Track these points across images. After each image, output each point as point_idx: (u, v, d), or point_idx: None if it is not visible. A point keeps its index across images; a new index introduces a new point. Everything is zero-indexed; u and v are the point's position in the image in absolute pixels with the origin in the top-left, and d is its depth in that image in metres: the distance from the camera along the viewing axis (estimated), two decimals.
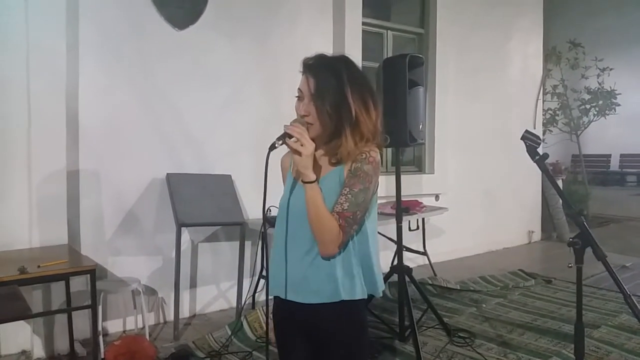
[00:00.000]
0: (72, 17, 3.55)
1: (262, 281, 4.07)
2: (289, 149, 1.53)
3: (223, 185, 4.19)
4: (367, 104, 1.55)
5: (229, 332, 3.61)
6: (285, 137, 1.49)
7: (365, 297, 1.60)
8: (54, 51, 3.42)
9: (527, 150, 2.11)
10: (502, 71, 6.71)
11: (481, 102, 6.33)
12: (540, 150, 2.14)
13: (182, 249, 3.77)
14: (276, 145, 1.51)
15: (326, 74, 1.53)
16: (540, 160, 2.07)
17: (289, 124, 1.52)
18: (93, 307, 2.75)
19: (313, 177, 1.50)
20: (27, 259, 2.85)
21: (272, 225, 3.88)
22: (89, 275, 2.78)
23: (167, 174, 3.94)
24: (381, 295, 1.68)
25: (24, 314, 2.88)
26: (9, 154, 3.31)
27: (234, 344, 3.52)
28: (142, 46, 3.89)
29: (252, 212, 4.33)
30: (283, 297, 1.61)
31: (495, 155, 6.49)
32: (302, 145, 1.47)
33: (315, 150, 1.53)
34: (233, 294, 4.20)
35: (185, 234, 4.06)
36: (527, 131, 2.14)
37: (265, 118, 4.39)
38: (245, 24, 4.40)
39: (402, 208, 3.56)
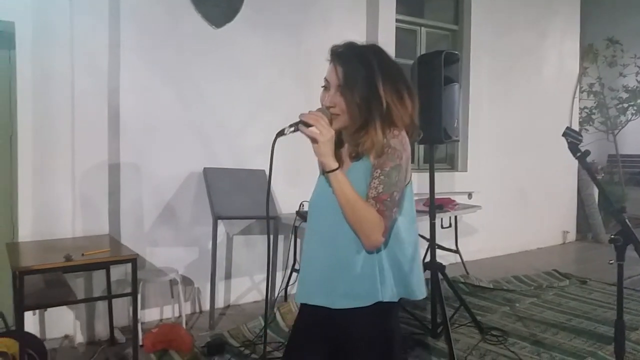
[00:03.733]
0: (113, 16, 3.66)
1: (294, 274, 4.14)
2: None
3: (257, 180, 4.26)
4: (401, 94, 1.44)
5: (263, 323, 3.68)
6: (299, 124, 1.40)
7: (396, 300, 1.48)
8: (96, 49, 3.54)
9: (569, 147, 2.08)
10: (537, 69, 6.60)
11: (515, 100, 6.24)
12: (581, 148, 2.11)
13: (217, 241, 3.85)
14: (285, 132, 1.42)
15: (356, 63, 1.43)
16: (582, 157, 2.05)
17: (307, 112, 1.44)
18: (134, 295, 2.84)
19: (335, 164, 1.39)
20: (71, 247, 2.97)
21: (305, 220, 3.95)
22: (128, 265, 2.88)
23: (204, 168, 4.03)
24: (420, 298, 1.54)
25: (69, 300, 3.00)
26: (54, 148, 3.45)
27: (267, 335, 3.58)
28: (180, 44, 3.99)
29: (285, 206, 4.39)
30: (309, 302, 1.51)
31: (530, 154, 6.39)
32: (319, 132, 1.37)
33: (340, 144, 1.46)
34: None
35: (221, 227, 4.14)
36: (568, 128, 2.11)
37: (297, 115, 4.42)
38: (279, 22, 4.46)
39: (435, 205, 3.56)
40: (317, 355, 1.52)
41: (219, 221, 3.89)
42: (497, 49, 6.02)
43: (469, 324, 3.72)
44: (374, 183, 1.40)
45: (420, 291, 1.52)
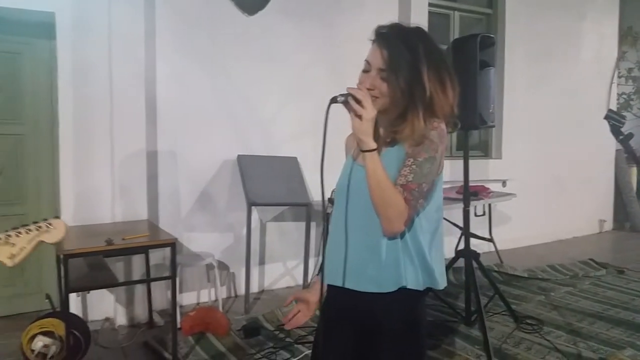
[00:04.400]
0: (149, 5, 3.73)
1: None
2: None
3: (289, 167, 4.30)
4: (444, 82, 1.40)
5: None
6: (348, 96, 1.36)
7: (422, 288, 1.46)
8: (133, 38, 3.61)
9: (611, 130, 2.03)
10: (574, 53, 6.42)
11: (552, 85, 6.09)
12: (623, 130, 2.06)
13: (251, 227, 3.91)
14: (338, 99, 1.38)
15: (401, 47, 1.38)
16: (625, 140, 2.00)
17: (355, 87, 1.40)
18: (173, 278, 2.91)
19: (373, 144, 1.36)
20: (111, 232, 3.06)
21: (325, 211, 3.96)
22: (166, 250, 2.95)
23: (238, 155, 4.09)
24: (441, 288, 1.50)
25: (110, 282, 3.09)
26: (94, 136, 3.55)
27: None
28: (214, 31, 4.03)
29: (317, 194, 4.41)
30: (339, 284, 1.49)
31: (566, 141, 6.25)
32: (364, 109, 1.34)
33: (377, 127, 1.42)
34: (299, 272, 4.33)
35: (254, 213, 4.20)
36: (610, 110, 2.06)
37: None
38: (311, 8, 4.46)
39: (469, 192, 3.52)
40: (345, 336, 1.52)
41: (253, 208, 3.94)
42: (533, 33, 5.88)
43: (503, 313, 3.69)
44: (405, 171, 1.38)
45: (443, 281, 1.50)
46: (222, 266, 4.14)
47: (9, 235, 1.18)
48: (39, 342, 2.77)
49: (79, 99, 3.50)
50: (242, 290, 4.12)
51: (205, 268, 3.93)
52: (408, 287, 1.43)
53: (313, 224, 4.37)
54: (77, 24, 3.47)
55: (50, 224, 1.17)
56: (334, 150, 1.56)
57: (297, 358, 3.05)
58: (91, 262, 3.15)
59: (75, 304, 3.49)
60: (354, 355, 1.54)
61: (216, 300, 3.80)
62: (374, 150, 1.36)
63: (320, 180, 1.40)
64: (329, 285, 1.55)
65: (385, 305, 1.44)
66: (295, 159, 4.37)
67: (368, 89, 1.41)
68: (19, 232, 1.18)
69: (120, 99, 3.55)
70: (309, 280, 4.12)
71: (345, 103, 1.36)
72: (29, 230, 1.17)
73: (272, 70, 4.30)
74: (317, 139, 4.47)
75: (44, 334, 2.80)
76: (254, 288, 4.29)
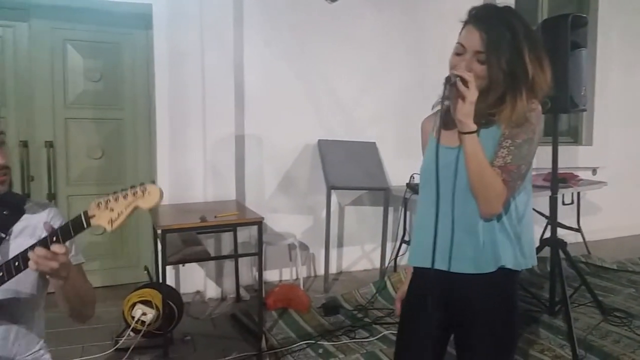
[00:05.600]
0: None
1: (404, 246, 4.20)
2: (436, 109, 1.44)
3: (368, 152, 4.35)
4: (542, 61, 1.38)
5: (374, 290, 3.81)
6: (456, 77, 1.35)
7: (520, 269, 1.46)
8: (223, 26, 3.79)
9: None
10: None
11: None
12: None
13: (330, 210, 4.01)
14: (452, 78, 1.35)
15: (500, 28, 1.35)
16: None
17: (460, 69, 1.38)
18: (259, 255, 3.06)
19: (474, 126, 1.35)
20: (203, 210, 3.25)
21: (415, 192, 3.96)
22: (252, 228, 3.10)
23: (319, 140, 4.19)
24: (531, 267, 1.50)
25: (203, 257, 3.32)
26: (187, 121, 3.78)
27: (378, 301, 3.71)
28: (297, 19, 4.14)
29: (395, 179, 4.43)
30: (429, 266, 1.44)
31: None
32: (469, 91, 1.33)
33: None
34: (376, 256, 4.39)
35: (334, 197, 4.29)
36: None
37: (409, 87, 4.43)
38: None
39: (558, 179, 3.40)
40: (433, 318, 1.51)
41: (332, 191, 4.03)
42: (629, 12, 5.47)
43: (589, 304, 3.55)
44: (502, 152, 1.37)
45: (533, 259, 1.49)
46: (303, 246, 4.28)
47: (108, 201, 1.25)
48: (139, 310, 2.99)
49: (174, 86, 3.73)
50: (321, 271, 4.25)
51: (287, 247, 4.09)
52: (507, 266, 1.43)
53: (391, 209, 4.39)
54: (171, 14, 3.69)
55: (145, 189, 1.22)
56: (416, 135, 1.57)
57: (376, 337, 3.12)
58: (185, 238, 3.39)
59: (169, 277, 3.76)
60: (442, 334, 1.56)
61: (297, 278, 3.96)
62: (474, 132, 1.36)
63: (436, 162, 1.37)
64: (417, 268, 1.57)
65: (482, 286, 1.44)
66: (374, 144, 4.41)
67: None
68: (117, 198, 1.24)
69: (211, 85, 3.75)
70: (386, 264, 4.17)
71: (452, 85, 1.35)
72: (126, 195, 1.23)
73: (353, 56, 4.34)
74: (396, 123, 4.52)
75: (143, 302, 3.02)
76: (333, 269, 4.41)
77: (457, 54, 1.41)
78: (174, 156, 3.76)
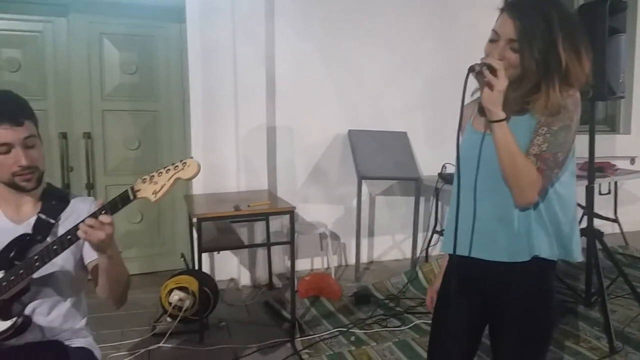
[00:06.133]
0: None
1: (435, 236, 4.18)
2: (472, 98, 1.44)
3: (399, 142, 4.33)
4: (580, 51, 1.36)
5: (405, 280, 3.81)
6: (483, 66, 1.35)
7: (555, 259, 1.45)
8: (254, 18, 3.82)
9: None
10: None
11: None
12: None
13: (361, 200, 4.03)
14: (476, 68, 1.36)
15: (535, 16, 1.33)
16: None
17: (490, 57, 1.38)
18: (291, 243, 3.12)
19: (503, 115, 1.35)
20: (236, 200, 3.31)
21: (447, 182, 3.93)
22: (284, 218, 3.14)
23: (349, 130, 4.20)
24: (577, 261, 1.48)
25: (237, 245, 3.38)
26: (220, 112, 3.84)
27: (409, 291, 3.71)
28: (328, 10, 4.14)
29: (426, 169, 4.41)
30: (465, 254, 1.47)
31: None
32: (498, 80, 1.32)
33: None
34: (407, 246, 4.39)
35: (364, 187, 4.30)
36: None
37: (440, 76, 4.38)
38: None
39: (594, 168, 3.33)
40: (467, 305, 1.53)
41: (363, 181, 4.04)
42: None
43: (626, 296, 3.48)
44: (538, 140, 1.36)
45: (578, 253, 1.46)
46: (334, 236, 4.31)
47: (152, 177, 1.35)
48: (176, 296, 3.07)
49: (207, 78, 3.79)
50: (352, 260, 4.28)
51: (318, 237, 4.13)
52: (541, 256, 1.42)
53: (422, 199, 4.38)
54: (204, 7, 3.74)
55: (185, 163, 1.33)
56: (446, 124, 1.55)
57: (408, 327, 3.13)
58: (220, 227, 3.46)
59: (204, 264, 3.82)
60: (476, 324, 1.56)
61: (328, 267, 3.99)
62: (502, 120, 1.35)
63: (457, 152, 1.40)
64: (451, 256, 1.55)
65: (516, 275, 1.43)
66: (404, 133, 4.39)
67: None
68: (160, 173, 1.35)
69: (243, 77, 3.80)
70: (417, 255, 4.16)
71: (479, 73, 1.35)
72: (168, 169, 1.34)
73: (383, 46, 4.32)
74: (426, 113, 4.50)
75: (180, 289, 3.09)
76: (364, 258, 4.42)
77: (491, 40, 1.40)
78: (207, 147, 3.83)
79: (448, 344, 1.56)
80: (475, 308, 1.53)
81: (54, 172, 3.77)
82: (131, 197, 1.36)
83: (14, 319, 1.44)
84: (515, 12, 1.35)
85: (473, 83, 1.42)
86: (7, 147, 1.45)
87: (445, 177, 3.96)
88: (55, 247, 1.40)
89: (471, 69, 1.37)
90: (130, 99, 3.98)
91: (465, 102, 1.45)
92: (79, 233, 1.34)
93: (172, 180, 1.33)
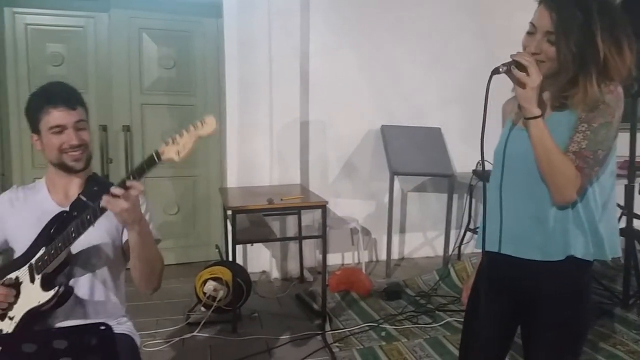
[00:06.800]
0: None
1: (468, 234, 4.14)
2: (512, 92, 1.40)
3: (432, 138, 4.30)
4: (620, 44, 1.30)
5: (437, 277, 3.79)
6: (511, 64, 1.32)
7: (591, 259, 1.40)
8: (289, 13, 3.85)
9: None
10: None
11: None
12: None
13: (393, 196, 4.02)
14: (500, 69, 1.34)
15: (573, 8, 1.30)
16: None
17: (519, 53, 1.35)
18: (323, 237, 3.14)
19: (537, 111, 1.32)
20: (269, 193, 3.35)
21: (481, 179, 3.87)
22: (315, 212, 3.17)
23: (382, 125, 4.20)
24: (610, 259, 1.43)
25: (270, 237, 3.43)
26: (255, 107, 3.88)
27: (441, 288, 3.69)
28: (362, 4, 4.14)
29: (460, 165, 4.36)
30: (496, 250, 1.45)
31: None
32: (527, 75, 1.30)
33: (541, 91, 1.36)
34: (438, 243, 4.36)
35: (396, 183, 4.28)
36: None
37: (476, 71, 4.27)
38: None
39: (635, 166, 3.25)
40: (501, 302, 1.51)
41: (395, 177, 4.03)
42: None
43: None
44: (578, 137, 1.31)
45: (612, 251, 1.42)
46: (365, 231, 4.32)
47: (175, 139, 1.38)
48: (210, 286, 3.13)
49: (242, 73, 3.84)
50: (383, 256, 4.28)
51: (349, 232, 4.15)
52: (577, 256, 1.38)
53: (455, 196, 4.33)
54: (241, 3, 3.79)
55: (203, 121, 1.37)
56: (480, 120, 1.53)
57: (439, 324, 3.12)
58: (253, 219, 3.52)
59: (238, 256, 3.88)
60: (509, 323, 1.54)
61: (359, 262, 4.01)
62: (538, 117, 1.32)
63: (481, 155, 1.41)
64: (486, 252, 1.53)
65: (549, 274, 1.40)
66: (438, 129, 4.36)
67: (533, 53, 1.34)
68: (182, 134, 1.38)
69: (278, 72, 3.83)
70: (450, 252, 4.13)
71: (508, 72, 1.33)
72: (189, 130, 1.38)
73: (417, 41, 4.29)
74: (462, 109, 4.43)
75: (214, 279, 3.15)
76: (395, 255, 4.41)
77: (529, 33, 1.38)
78: (242, 141, 3.89)
79: (480, 342, 1.55)
80: (507, 318, 1.52)
81: (94, 164, 3.78)
82: (156, 159, 1.40)
83: (56, 287, 1.49)
84: (552, 4, 1.32)
85: (499, 78, 1.39)
86: (61, 129, 1.57)
87: (479, 174, 3.92)
88: (88, 216, 1.44)
89: (495, 71, 1.34)
90: (168, 93, 4.07)
91: (505, 99, 1.44)
92: (102, 202, 1.38)
93: (193, 139, 1.37)
